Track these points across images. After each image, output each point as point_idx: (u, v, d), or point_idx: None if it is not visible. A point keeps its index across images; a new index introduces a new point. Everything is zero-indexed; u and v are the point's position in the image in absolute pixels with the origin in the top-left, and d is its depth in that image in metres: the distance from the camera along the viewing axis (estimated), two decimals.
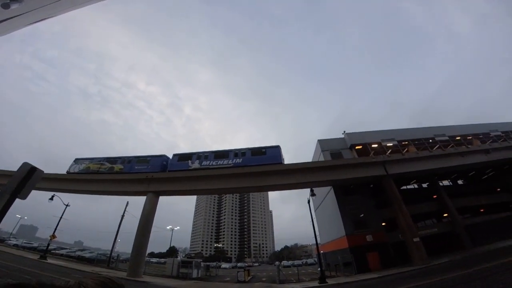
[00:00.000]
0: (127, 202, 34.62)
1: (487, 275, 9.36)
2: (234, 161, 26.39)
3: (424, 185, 33.77)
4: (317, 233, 39.42)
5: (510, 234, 24.52)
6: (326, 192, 29.87)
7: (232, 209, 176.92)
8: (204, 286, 20.06)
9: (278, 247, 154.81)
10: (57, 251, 32.19)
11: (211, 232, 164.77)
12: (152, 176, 25.14)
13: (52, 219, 27.99)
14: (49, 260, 22.03)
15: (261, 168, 24.15)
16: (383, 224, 25.82)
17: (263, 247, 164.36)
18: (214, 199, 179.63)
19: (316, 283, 18.09)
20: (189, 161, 27.35)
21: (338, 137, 31.84)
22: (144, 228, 22.60)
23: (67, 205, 27.19)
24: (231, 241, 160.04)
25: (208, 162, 26.97)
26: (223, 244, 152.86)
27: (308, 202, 21.64)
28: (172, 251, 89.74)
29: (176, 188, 25.14)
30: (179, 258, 38.70)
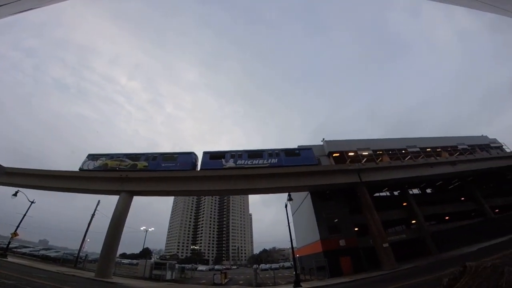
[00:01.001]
0: (98, 201, 33.24)
1: None
2: (269, 161, 26.18)
3: (396, 193, 35.29)
4: (294, 237, 40.30)
5: (472, 240, 25.99)
6: (303, 197, 30.43)
7: (211, 211, 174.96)
8: None
9: (257, 250, 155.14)
10: (19, 250, 30.16)
11: (188, 233, 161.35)
12: (127, 175, 24.22)
13: (16, 217, 26.05)
14: (10, 259, 20.71)
15: (243, 172, 24.17)
16: (356, 229, 26.66)
17: (241, 250, 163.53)
18: (193, 200, 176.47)
19: (290, 287, 18.37)
20: (223, 160, 26.37)
21: (318, 144, 32.67)
22: (115, 228, 21.73)
23: (32, 202, 25.53)
24: (209, 243, 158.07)
25: (243, 161, 26.28)
26: (200, 246, 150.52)
27: (286, 206, 21.92)
28: (146, 253, 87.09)
29: (153, 189, 24.30)
30: (152, 260, 37.57)
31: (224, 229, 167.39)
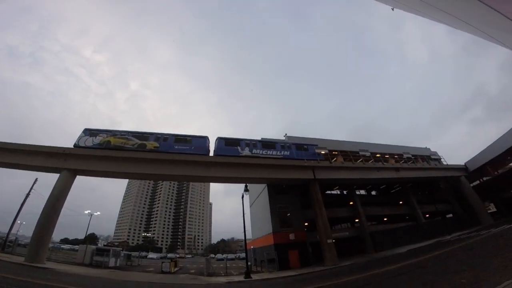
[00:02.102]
0: (36, 179, 29.84)
1: (382, 279, 10.56)
2: (282, 153, 27.06)
3: (345, 192, 37.83)
4: (249, 229, 41.32)
5: (404, 242, 28.52)
6: (261, 190, 30.96)
7: (168, 197, 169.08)
8: (119, 275, 18.46)
9: (215, 240, 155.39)
10: None
11: (141, 220, 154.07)
12: (70, 151, 21.90)
13: None
14: None
15: (198, 158, 23.54)
16: (306, 224, 27.99)
17: (198, 239, 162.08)
18: (149, 185, 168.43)
19: (241, 278, 18.55)
20: (238, 147, 26.11)
21: (281, 139, 33.43)
22: (52, 208, 19.49)
23: None
24: (163, 231, 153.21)
25: (258, 151, 26.59)
26: (153, 233, 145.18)
27: (242, 197, 22.05)
28: (91, 238, 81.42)
29: (102, 169, 22.01)
30: (96, 246, 35.18)
31: (181, 217, 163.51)
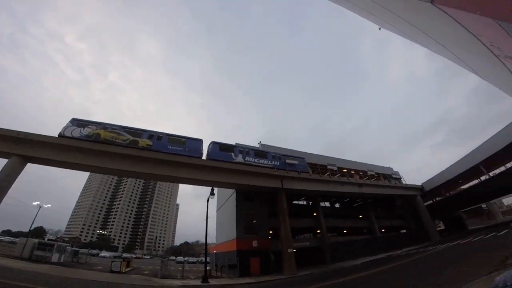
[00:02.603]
0: None
1: (354, 285, 10.88)
2: (273, 163, 27.98)
3: (310, 203, 38.79)
4: (215, 233, 40.55)
5: (360, 254, 29.82)
6: (229, 195, 30.63)
7: (132, 194, 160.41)
8: (60, 271, 17.00)
9: (178, 242, 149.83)
10: None
11: (99, 216, 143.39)
12: (26, 136, 19.81)
13: None
14: None
15: (170, 158, 22.68)
16: (271, 232, 28.18)
17: (160, 240, 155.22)
18: (112, 180, 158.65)
19: (198, 282, 17.98)
20: (232, 154, 26.54)
21: (255, 146, 33.61)
22: None
23: None
24: (122, 229, 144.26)
25: (251, 159, 27.18)
26: (110, 231, 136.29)
27: (207, 201, 21.54)
28: (38, 232, 74.25)
29: (60, 159, 20.03)
30: (40, 240, 32.13)
31: (143, 216, 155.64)
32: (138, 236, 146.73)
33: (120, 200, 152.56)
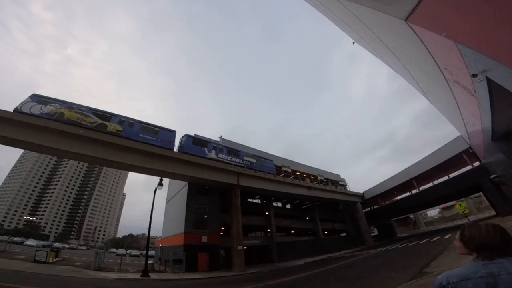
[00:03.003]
0: None
1: (289, 287, 11.14)
2: (245, 163, 29.16)
3: (264, 201, 39.65)
4: (161, 227, 38.72)
5: (304, 255, 31.50)
6: (181, 187, 29.48)
7: (72, 178, 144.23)
8: None
9: (122, 234, 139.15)
10: None
11: (28, 200, 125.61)
12: None
13: None
14: None
15: (119, 141, 20.80)
16: (223, 228, 27.98)
17: (100, 230, 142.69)
18: (50, 161, 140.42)
19: (138, 275, 17.00)
20: (205, 149, 26.72)
21: (216, 139, 32.98)
22: None
23: None
24: (56, 216, 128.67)
25: (224, 156, 27.84)
26: (41, 218, 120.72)
27: (155, 191, 20.41)
28: None
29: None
30: None
31: (82, 202, 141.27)
32: (75, 225, 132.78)
33: (57, 184, 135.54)
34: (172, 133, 25.05)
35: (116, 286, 13.23)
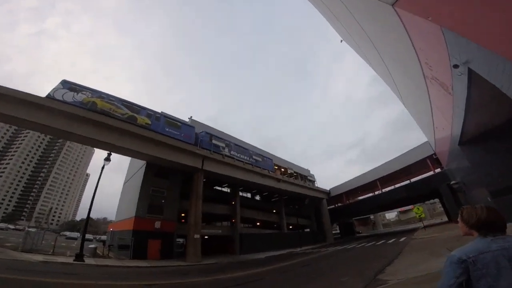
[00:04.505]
0: None
1: (238, 283, 10.08)
2: (251, 161, 32.00)
3: (229, 191, 38.13)
4: (116, 209, 35.83)
5: (267, 248, 30.50)
6: (139, 167, 27.00)
7: (30, 152, 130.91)
8: None
9: (82, 217, 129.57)
10: None
11: None
12: None
13: None
14: None
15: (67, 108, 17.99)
16: (183, 215, 26.13)
17: (56, 212, 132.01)
18: (7, 131, 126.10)
19: (70, 260, 15.15)
20: (221, 146, 28.43)
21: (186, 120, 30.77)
22: None
23: None
24: (7, 194, 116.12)
25: (235, 153, 30.08)
26: None
27: (102, 168, 17.94)
28: None
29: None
30: None
31: (39, 181, 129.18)
32: (27, 205, 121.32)
33: (11, 157, 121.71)
34: (192, 128, 26.92)
35: (36, 269, 11.24)
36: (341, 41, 30.99)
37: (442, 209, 56.98)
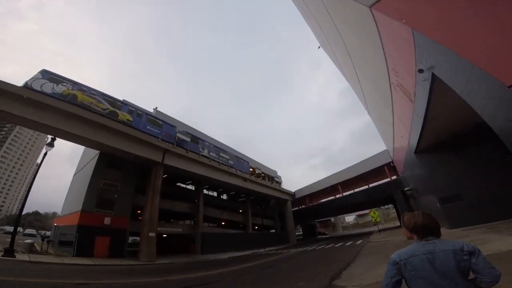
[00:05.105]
0: None
1: (187, 286, 9.30)
2: (232, 163, 33.28)
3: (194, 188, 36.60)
4: (62, 203, 32.18)
5: (230, 248, 29.51)
6: (92, 157, 24.41)
7: None
8: None
9: (28, 211, 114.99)
10: None
11: None
12: None
13: None
14: None
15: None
16: (139, 211, 24.07)
17: None
18: None
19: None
20: (199, 146, 28.66)
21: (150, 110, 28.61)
22: None
23: None
24: None
25: (214, 155, 30.49)
26: None
27: (44, 155, 15.63)
28: None
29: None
30: None
31: None
32: None
33: None
34: (174, 127, 26.46)
35: None
36: (319, 47, 31.70)
37: (395, 214, 61.52)
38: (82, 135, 18.36)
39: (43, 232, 59.65)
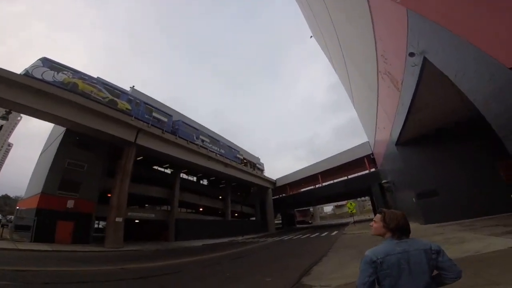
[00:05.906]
0: None
1: (142, 276, 8.52)
2: (220, 152, 33.85)
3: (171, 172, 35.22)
4: (27, 184, 29.88)
5: (206, 235, 28.99)
6: (58, 134, 22.38)
7: None
8: None
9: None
10: None
11: None
12: None
13: None
14: None
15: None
16: (109, 195, 22.60)
17: None
18: None
19: None
20: (194, 135, 29.80)
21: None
22: None
23: None
24: None
25: (208, 145, 31.52)
26: None
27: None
28: None
29: None
30: None
31: None
32: None
33: None
34: (170, 116, 27.40)
35: None
36: (311, 36, 30.75)
37: (370, 206, 63.57)
38: (44, 110, 16.57)
39: (10, 216, 55.95)
